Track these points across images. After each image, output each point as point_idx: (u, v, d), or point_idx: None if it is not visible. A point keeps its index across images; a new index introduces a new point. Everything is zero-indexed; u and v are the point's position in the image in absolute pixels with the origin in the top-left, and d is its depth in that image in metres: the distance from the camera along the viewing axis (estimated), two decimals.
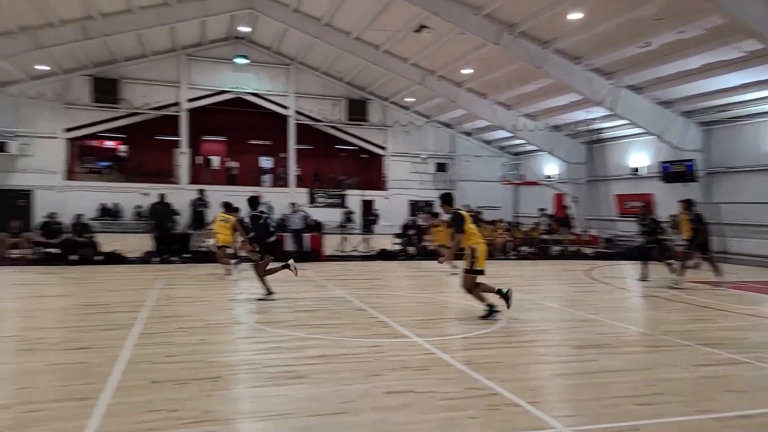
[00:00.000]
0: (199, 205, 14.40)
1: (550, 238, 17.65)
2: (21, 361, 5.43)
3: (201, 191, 14.96)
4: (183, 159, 27.57)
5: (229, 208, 11.99)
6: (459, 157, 30.68)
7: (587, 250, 17.20)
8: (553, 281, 12.78)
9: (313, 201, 27.24)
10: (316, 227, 15.78)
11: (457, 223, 7.42)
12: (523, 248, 17.02)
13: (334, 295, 9.70)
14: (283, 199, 21.87)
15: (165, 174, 27.25)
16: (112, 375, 4.89)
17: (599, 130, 23.55)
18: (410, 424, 4.02)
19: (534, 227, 18.45)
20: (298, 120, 28.76)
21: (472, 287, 7.46)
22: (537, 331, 7.29)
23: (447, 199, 7.74)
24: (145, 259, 14.08)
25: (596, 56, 17.64)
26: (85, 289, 10.11)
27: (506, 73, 20.52)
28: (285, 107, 28.58)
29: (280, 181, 29.43)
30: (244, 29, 25.43)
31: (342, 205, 26.63)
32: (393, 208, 27.20)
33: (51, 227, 13.72)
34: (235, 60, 26.50)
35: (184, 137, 27.64)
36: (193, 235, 14.26)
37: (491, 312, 7.49)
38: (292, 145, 28.62)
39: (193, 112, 27.83)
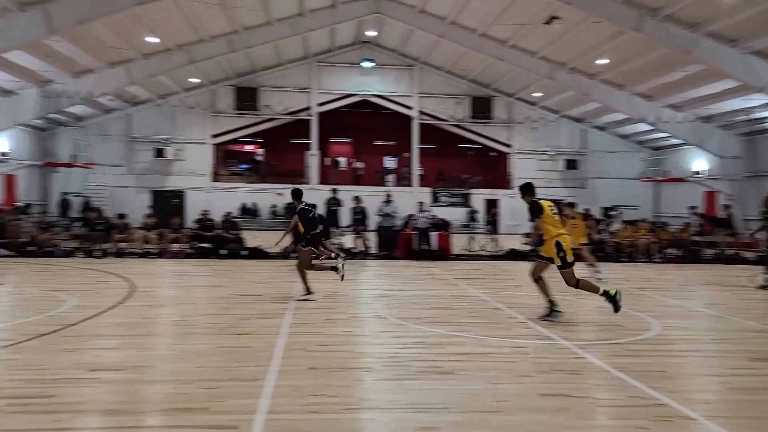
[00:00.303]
0: (333, 204, 15.05)
1: (703, 240, 16.01)
2: (193, 343, 5.99)
3: (334, 190, 15.60)
4: (313, 160, 29.01)
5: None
6: (591, 153, 29.07)
7: (747, 254, 15.34)
8: (710, 287, 11.59)
9: (436, 200, 27.32)
10: (443, 226, 15.77)
11: (532, 210, 7.22)
12: (670, 251, 15.62)
13: (468, 294, 9.61)
14: (407, 199, 22.14)
15: (296, 175, 28.84)
16: (273, 360, 5.24)
17: (760, 120, 21.01)
18: (571, 428, 3.84)
19: (683, 228, 16.85)
20: (421, 120, 29.01)
21: (572, 281, 6.99)
22: (701, 340, 6.64)
23: (527, 189, 7.42)
24: (284, 255, 15.01)
25: (756, 38, 15.77)
26: (237, 281, 10.97)
27: (647, 61, 19.05)
28: (409, 107, 28.97)
29: (403, 180, 29.87)
30: (371, 33, 26.17)
31: (466, 204, 26.40)
32: (519, 207, 26.47)
33: (205, 224, 15.11)
34: (361, 64, 27.36)
35: (314, 140, 29.09)
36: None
37: (552, 311, 7.20)
38: (416, 145, 28.92)
39: (323, 116, 29.19)
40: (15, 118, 23.25)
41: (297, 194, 8.79)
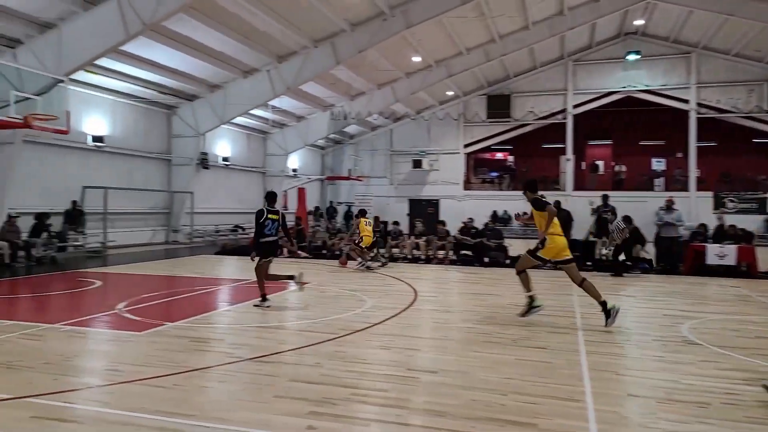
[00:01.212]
0: (603, 212, 14.03)
1: None
2: (493, 352, 6.01)
3: (605, 197, 14.53)
4: (568, 165, 27.70)
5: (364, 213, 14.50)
6: None
7: None
8: None
9: (720, 206, 23.49)
10: (745, 237, 13.37)
11: (537, 204, 7.26)
12: None
13: None
14: (681, 205, 19.45)
15: (550, 181, 27.88)
16: (583, 380, 4.94)
17: None
18: None
19: None
20: (700, 114, 25.36)
21: (524, 267, 7.45)
22: None
23: (530, 186, 7.43)
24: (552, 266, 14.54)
25: None
26: (511, 290, 10.90)
27: None
28: (684, 101, 25.64)
29: (675, 184, 26.48)
30: (638, 23, 23.90)
31: (763, 210, 22.12)
32: None
33: (469, 231, 15.52)
34: (627, 57, 25.20)
35: (569, 143, 27.78)
36: (597, 243, 13.94)
37: (531, 307, 7.47)
38: (693, 143, 25.40)
39: (578, 118, 27.71)
40: (305, 139, 27.43)
41: (268, 197, 8.68)
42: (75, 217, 16.46)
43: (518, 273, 7.59)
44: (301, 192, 25.70)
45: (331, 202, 30.40)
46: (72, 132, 16.56)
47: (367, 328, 7.05)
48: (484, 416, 4.13)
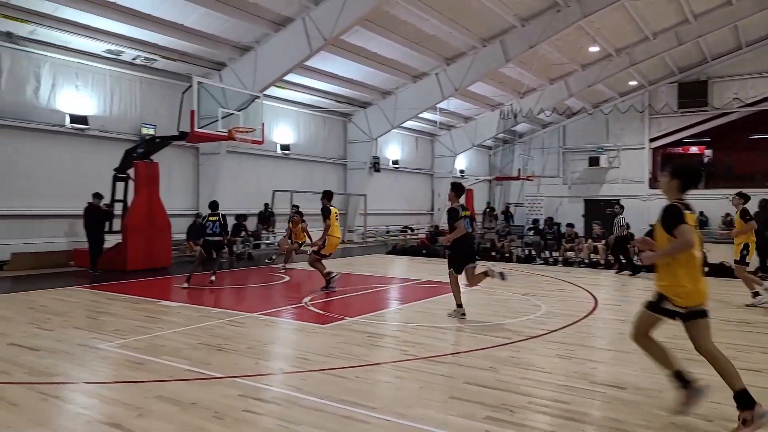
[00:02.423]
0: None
1: None
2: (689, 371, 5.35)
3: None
4: None
5: None
6: None
7: None
8: None
9: None
10: None
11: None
12: None
13: None
14: None
15: (759, 177, 24.13)
16: None
17: None
18: None
19: None
20: None
21: None
22: None
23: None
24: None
25: None
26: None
27: None
28: None
29: None
30: None
31: None
32: None
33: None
34: None
35: None
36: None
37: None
38: None
39: None
40: (473, 140, 27.31)
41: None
42: (266, 217, 18.40)
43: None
44: (469, 193, 25.64)
45: (507, 204, 29.71)
46: (264, 142, 18.67)
47: (543, 335, 6.75)
48: None
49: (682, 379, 3.99)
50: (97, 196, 12.51)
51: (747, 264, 8.92)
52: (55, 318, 7.51)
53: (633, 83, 25.93)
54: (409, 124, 24.32)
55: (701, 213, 24.63)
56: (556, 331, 6.97)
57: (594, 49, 20.71)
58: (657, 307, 4.03)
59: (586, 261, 14.71)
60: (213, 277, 10.64)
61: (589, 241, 15.12)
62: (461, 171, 29.38)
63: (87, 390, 4.70)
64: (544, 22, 17.79)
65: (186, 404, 4.28)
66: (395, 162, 25.63)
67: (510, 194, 31.33)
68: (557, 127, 30.28)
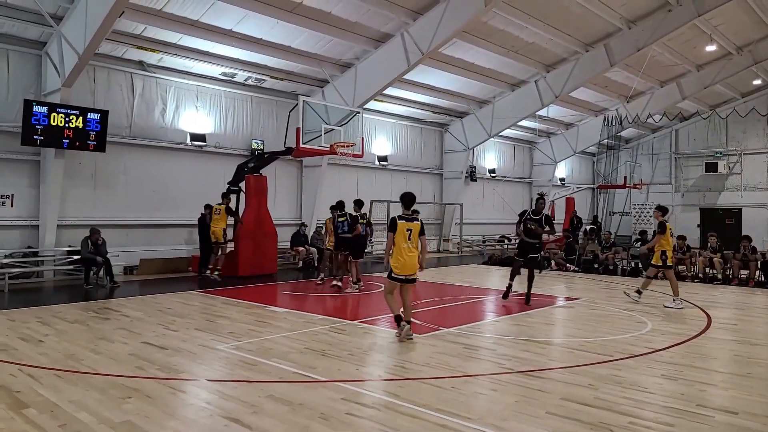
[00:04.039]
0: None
1: None
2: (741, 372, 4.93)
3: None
4: None
5: None
6: None
7: None
8: None
9: None
10: None
11: None
12: None
13: None
14: None
15: None
16: None
17: None
18: None
19: None
20: None
21: None
22: None
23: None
24: None
25: None
26: None
27: None
28: None
29: None
30: None
31: None
32: None
33: None
34: None
35: None
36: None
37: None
38: None
39: None
40: (575, 147, 26.37)
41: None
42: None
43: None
44: (569, 202, 24.76)
45: (611, 212, 28.27)
46: (364, 155, 19.33)
47: (648, 353, 6.48)
48: None
49: None
50: (209, 207, 13.62)
51: (670, 267, 10.20)
52: (179, 320, 8.33)
53: (757, 82, 23.76)
54: (506, 132, 23.99)
55: None
56: (662, 350, 6.65)
57: (711, 48, 19.26)
58: None
59: (701, 275, 13.71)
60: (338, 282, 11.31)
61: (705, 253, 14.08)
62: (561, 179, 28.44)
63: (208, 387, 5.23)
64: (653, 24, 16.89)
65: (295, 404, 4.65)
66: (492, 171, 25.37)
67: (616, 203, 29.76)
68: (669, 131, 28.42)
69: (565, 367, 5.91)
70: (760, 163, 25.32)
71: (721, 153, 26.24)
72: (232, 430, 4.13)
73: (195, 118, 15.35)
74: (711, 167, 26.06)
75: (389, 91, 18.33)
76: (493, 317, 9.21)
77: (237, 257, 13.66)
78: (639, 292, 10.39)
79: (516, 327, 8.13)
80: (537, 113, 21.79)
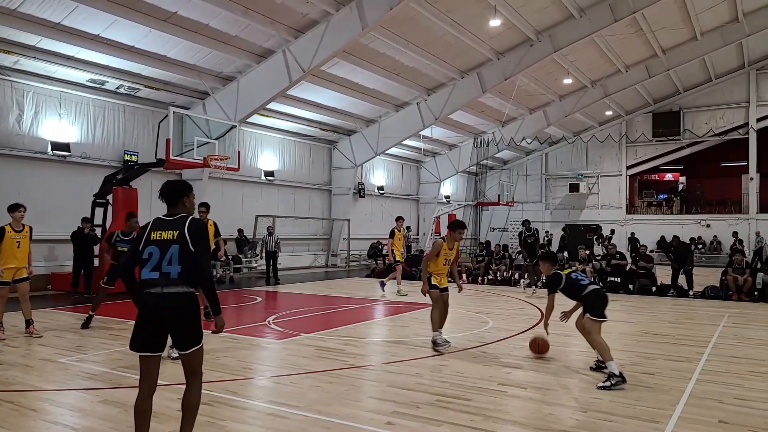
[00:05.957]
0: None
1: None
2: (587, 374, 5.89)
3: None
4: (751, 185, 24.49)
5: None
6: None
7: None
8: None
9: None
10: None
11: None
12: None
13: None
14: None
15: (730, 203, 24.86)
16: (678, 405, 4.73)
17: None
18: None
19: None
20: None
21: None
22: None
23: None
24: (707, 294, 13.22)
25: None
26: (647, 318, 10.23)
27: None
28: None
29: None
30: None
31: None
32: None
33: (614, 257, 14.72)
34: None
35: (752, 161, 24.61)
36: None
37: None
38: None
39: (763, 132, 24.44)
40: (457, 166, 28.06)
41: None
42: (242, 243, 18.97)
43: None
44: (452, 217, 26.24)
45: (491, 228, 30.26)
46: (248, 168, 19.35)
47: (478, 347, 7.29)
48: (557, 429, 4.22)
49: None
50: (85, 220, 13.04)
51: None
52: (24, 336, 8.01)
53: (609, 113, 26.85)
54: (394, 150, 25.05)
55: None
56: (491, 343, 7.49)
57: (568, 81, 21.58)
58: None
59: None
60: None
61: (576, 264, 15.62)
62: (447, 197, 30.08)
63: (39, 396, 5.22)
64: (518, 56, 18.65)
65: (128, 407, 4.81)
66: (380, 188, 26.31)
67: (495, 220, 31.95)
68: (540, 155, 31.11)
69: (401, 361, 6.52)
70: (614, 185, 28.44)
71: (582, 175, 29.16)
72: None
73: (57, 126, 14.47)
74: (574, 187, 28.88)
75: (276, 106, 18.58)
76: (355, 323, 9.72)
77: (103, 272, 13.10)
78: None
79: (371, 330, 8.70)
80: (420, 133, 23.04)
